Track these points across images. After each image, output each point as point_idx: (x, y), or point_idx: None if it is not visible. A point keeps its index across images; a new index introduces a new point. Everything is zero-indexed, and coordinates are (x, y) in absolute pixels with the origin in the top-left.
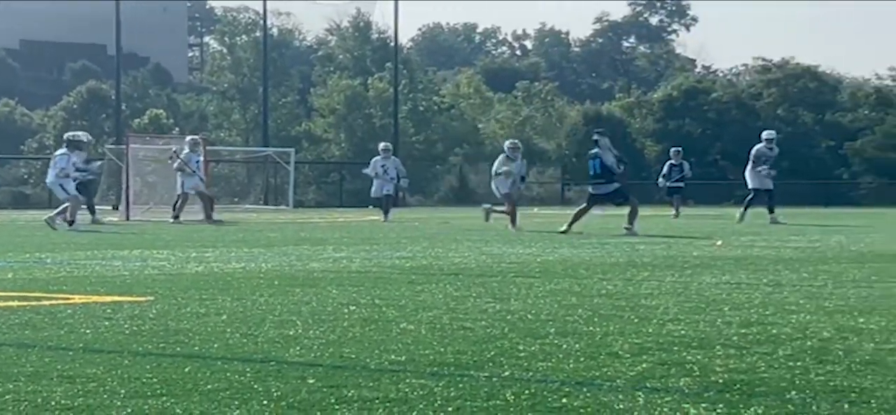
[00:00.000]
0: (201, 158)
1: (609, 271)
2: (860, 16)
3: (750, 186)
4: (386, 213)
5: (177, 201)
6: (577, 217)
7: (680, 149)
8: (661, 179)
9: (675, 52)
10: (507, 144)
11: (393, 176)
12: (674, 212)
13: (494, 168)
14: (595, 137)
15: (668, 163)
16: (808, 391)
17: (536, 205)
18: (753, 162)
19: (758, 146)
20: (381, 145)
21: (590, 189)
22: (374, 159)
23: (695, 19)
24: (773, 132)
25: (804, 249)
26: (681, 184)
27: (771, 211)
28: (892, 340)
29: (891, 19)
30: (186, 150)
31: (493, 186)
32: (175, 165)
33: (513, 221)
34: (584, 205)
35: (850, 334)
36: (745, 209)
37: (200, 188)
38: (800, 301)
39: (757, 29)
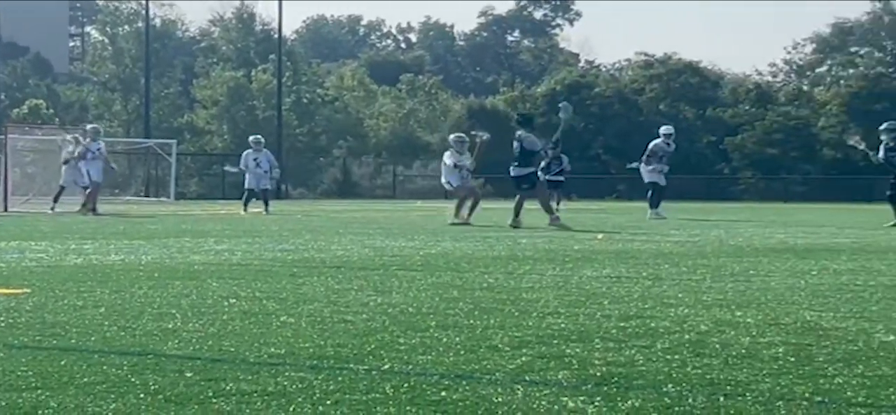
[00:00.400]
0: (102, 146)
1: (491, 265)
2: (742, 12)
3: (646, 181)
4: (266, 205)
5: (88, 193)
6: (517, 208)
7: (558, 141)
8: (539, 173)
9: (558, 46)
10: (452, 137)
11: (266, 169)
12: (556, 205)
13: (446, 163)
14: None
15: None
16: (684, 384)
17: (419, 198)
18: (649, 157)
19: (655, 141)
20: (252, 139)
21: (511, 171)
22: (245, 153)
23: (578, 14)
24: (671, 128)
25: (684, 243)
26: (560, 178)
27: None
28: (767, 333)
29: (771, 16)
30: (87, 139)
31: (443, 180)
32: (76, 151)
33: (460, 210)
34: (518, 196)
35: (726, 327)
36: (656, 206)
37: (100, 178)
38: (678, 295)
39: (640, 24)
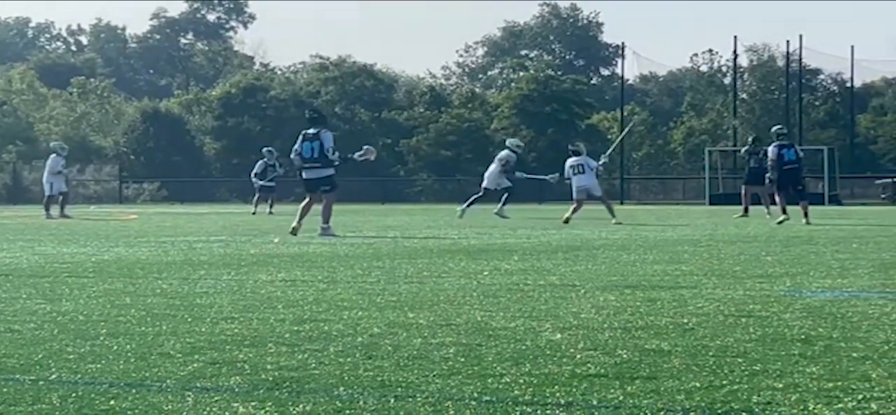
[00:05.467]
0: None
1: (165, 270)
2: (414, 15)
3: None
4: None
5: None
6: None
7: (272, 149)
8: (254, 178)
9: (233, 49)
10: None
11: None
12: (268, 210)
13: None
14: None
15: (262, 162)
16: (356, 387)
17: (93, 203)
18: (502, 165)
19: (504, 152)
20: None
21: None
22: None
23: (253, 17)
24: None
25: (360, 245)
26: (273, 183)
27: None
28: (439, 334)
29: (442, 19)
30: None
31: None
32: None
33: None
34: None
35: (399, 329)
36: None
37: None
38: (353, 297)
39: (315, 27)
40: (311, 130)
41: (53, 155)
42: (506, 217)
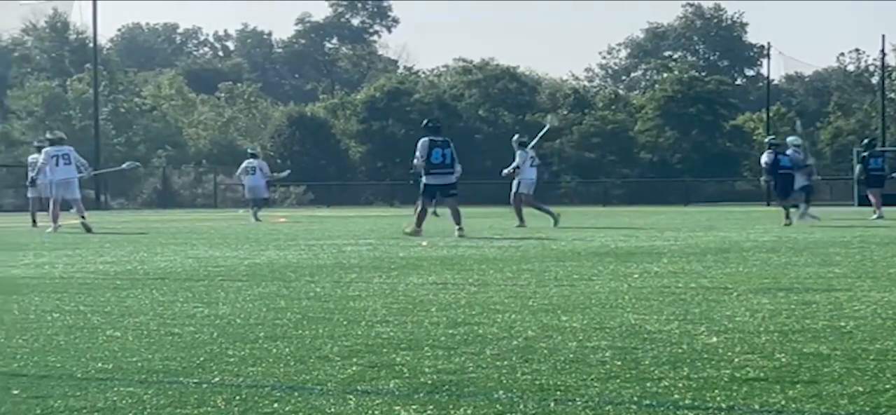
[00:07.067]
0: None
1: (317, 274)
2: (556, 17)
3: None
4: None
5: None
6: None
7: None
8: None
9: (377, 53)
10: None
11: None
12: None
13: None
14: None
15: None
16: (515, 390)
17: (241, 207)
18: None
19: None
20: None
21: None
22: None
23: (396, 20)
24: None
25: (507, 248)
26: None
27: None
28: (593, 337)
29: (585, 20)
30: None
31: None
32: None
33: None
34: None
35: (553, 332)
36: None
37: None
38: (505, 300)
39: (457, 30)
40: (440, 137)
41: (261, 161)
42: (815, 217)
